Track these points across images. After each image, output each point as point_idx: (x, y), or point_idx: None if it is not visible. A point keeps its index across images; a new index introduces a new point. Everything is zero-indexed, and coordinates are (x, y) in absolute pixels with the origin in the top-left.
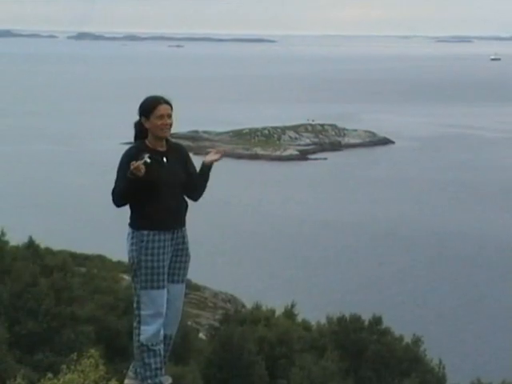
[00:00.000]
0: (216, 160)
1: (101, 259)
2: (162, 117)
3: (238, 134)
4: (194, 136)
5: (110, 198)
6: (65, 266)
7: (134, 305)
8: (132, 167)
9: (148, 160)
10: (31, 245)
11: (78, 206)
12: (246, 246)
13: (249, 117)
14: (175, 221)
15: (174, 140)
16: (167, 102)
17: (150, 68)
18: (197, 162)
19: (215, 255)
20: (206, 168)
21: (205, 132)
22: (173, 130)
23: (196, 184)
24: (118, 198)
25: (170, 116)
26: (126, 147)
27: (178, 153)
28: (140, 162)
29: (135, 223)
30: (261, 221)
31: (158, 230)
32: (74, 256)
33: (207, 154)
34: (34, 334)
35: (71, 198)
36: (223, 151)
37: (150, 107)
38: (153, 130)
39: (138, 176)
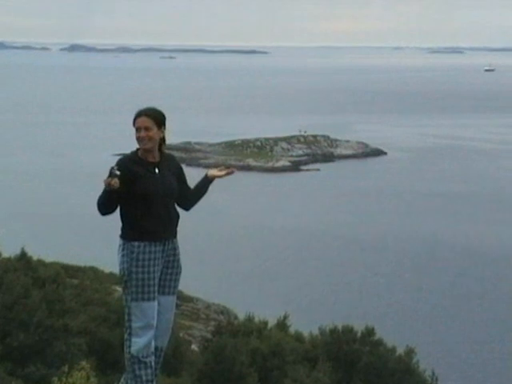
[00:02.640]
0: (220, 176)
1: (93, 271)
2: (137, 129)
3: (231, 146)
4: (186, 147)
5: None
6: (57, 277)
7: (125, 317)
8: (105, 184)
9: (117, 172)
10: (23, 256)
11: (71, 218)
12: (238, 257)
13: (241, 128)
14: (166, 232)
15: (167, 151)
16: (147, 114)
17: (142, 79)
18: (189, 173)
19: (207, 266)
20: (207, 181)
21: (197, 143)
22: (167, 141)
23: (188, 195)
24: (100, 207)
25: (147, 128)
26: (118, 158)
27: (170, 163)
28: (108, 180)
29: (126, 234)
30: (253, 232)
31: (149, 242)
32: (66, 268)
33: (209, 168)
34: (26, 346)
35: (64, 210)
36: (232, 170)
37: (133, 120)
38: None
39: (115, 188)
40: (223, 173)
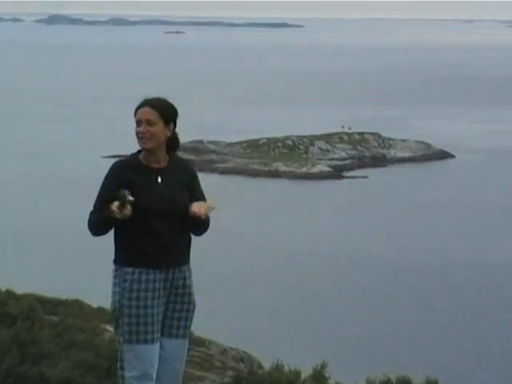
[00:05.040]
0: (200, 215)
1: (78, 305)
2: (138, 123)
3: (254, 146)
4: (197, 148)
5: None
6: (31, 313)
7: (118, 363)
8: (113, 212)
9: (131, 198)
10: None
11: (50, 238)
12: (260, 288)
13: (267, 123)
14: (169, 257)
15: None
16: (151, 105)
17: (141, 60)
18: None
19: (222, 300)
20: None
21: (211, 142)
22: None
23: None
24: (93, 229)
25: (149, 122)
26: (110, 161)
27: (180, 171)
28: (117, 208)
29: (119, 258)
30: (280, 257)
31: (146, 268)
32: (43, 301)
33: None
34: None
35: (41, 227)
36: (209, 207)
37: (134, 112)
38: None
39: (126, 218)
40: (202, 212)
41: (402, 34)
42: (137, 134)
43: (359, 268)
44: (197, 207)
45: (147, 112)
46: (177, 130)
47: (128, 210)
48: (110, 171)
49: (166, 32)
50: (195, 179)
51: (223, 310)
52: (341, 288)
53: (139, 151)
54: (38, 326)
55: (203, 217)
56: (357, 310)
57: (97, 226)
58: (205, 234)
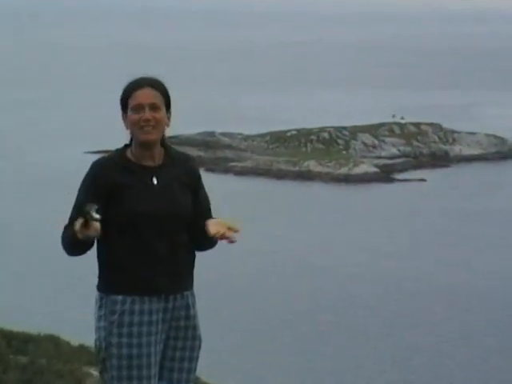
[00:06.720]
0: (218, 238)
1: (53, 342)
2: (138, 108)
3: (280, 139)
4: (207, 141)
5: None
6: None
7: None
8: (76, 232)
9: (97, 216)
10: None
11: (19, 254)
12: (284, 323)
13: (297, 110)
14: (169, 279)
15: (178, 148)
16: (153, 86)
17: (137, 28)
18: (210, 184)
19: (236, 339)
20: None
21: (225, 135)
22: (176, 131)
23: (200, 225)
24: (66, 249)
25: (154, 107)
26: (95, 158)
27: (179, 169)
28: (80, 227)
29: (105, 284)
30: (309, 279)
31: (140, 295)
32: (9, 337)
33: (212, 220)
34: None
35: (8, 241)
36: (231, 227)
37: (126, 95)
38: (131, 130)
39: (92, 237)
40: (221, 233)
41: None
42: (136, 122)
43: (412, 297)
44: (215, 228)
45: (151, 94)
46: (183, 118)
47: (93, 230)
48: (89, 173)
49: None
50: (199, 179)
51: (237, 347)
52: (388, 323)
53: (125, 146)
54: (2, 369)
55: (223, 239)
56: (395, 350)
57: (68, 244)
58: (216, 251)
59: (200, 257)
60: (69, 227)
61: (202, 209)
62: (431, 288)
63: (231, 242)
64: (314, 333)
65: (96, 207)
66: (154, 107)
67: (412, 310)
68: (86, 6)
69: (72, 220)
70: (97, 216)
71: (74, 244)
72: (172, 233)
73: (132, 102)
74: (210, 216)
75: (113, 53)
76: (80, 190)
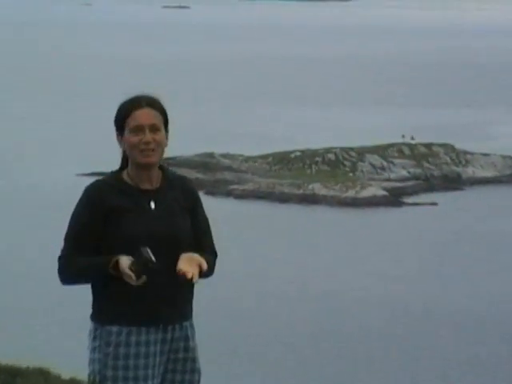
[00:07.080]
0: (188, 279)
1: (43, 376)
2: (138, 129)
3: (283, 161)
4: (206, 163)
5: (57, 266)
6: None
7: None
8: (128, 274)
9: (153, 259)
10: None
11: (7, 284)
12: (287, 346)
13: (302, 129)
14: (169, 309)
15: (175, 170)
16: (152, 105)
17: (133, 43)
18: (210, 207)
19: (238, 367)
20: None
21: (225, 156)
22: (174, 152)
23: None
24: (70, 279)
25: (155, 128)
26: (90, 181)
27: (178, 193)
28: (130, 268)
29: (99, 313)
30: (317, 305)
31: (137, 326)
32: None
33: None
34: None
35: None
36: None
37: (123, 115)
38: (128, 153)
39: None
40: (192, 275)
41: (488, 11)
42: (135, 144)
43: (423, 327)
44: (187, 266)
45: (151, 114)
46: (181, 139)
47: (145, 278)
48: (85, 197)
49: (164, 6)
50: (198, 201)
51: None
52: (395, 347)
53: (121, 169)
54: None
55: (194, 280)
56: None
57: (79, 277)
58: (217, 278)
59: (202, 281)
60: (69, 258)
61: (200, 231)
62: (438, 312)
63: (188, 280)
64: (317, 357)
65: (148, 249)
66: (154, 128)
67: (419, 333)
68: (78, 19)
69: (71, 250)
70: (153, 259)
71: (93, 278)
72: (171, 259)
73: (131, 123)
74: (208, 238)
75: (108, 67)
76: (76, 215)
